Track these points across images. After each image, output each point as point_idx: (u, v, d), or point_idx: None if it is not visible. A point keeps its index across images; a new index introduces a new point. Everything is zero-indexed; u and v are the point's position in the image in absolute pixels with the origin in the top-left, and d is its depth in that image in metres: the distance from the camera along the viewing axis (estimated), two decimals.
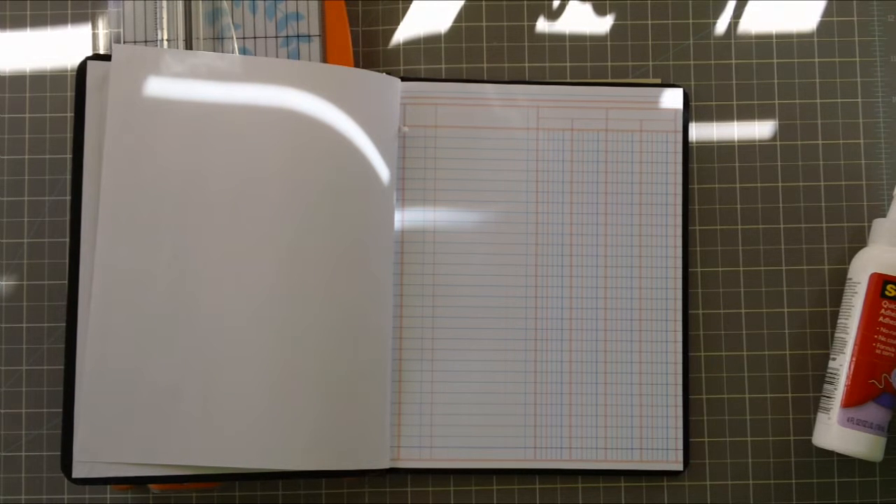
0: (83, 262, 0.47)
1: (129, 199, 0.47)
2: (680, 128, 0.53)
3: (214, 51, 0.50)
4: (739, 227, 0.53)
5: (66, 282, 0.48)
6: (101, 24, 0.54)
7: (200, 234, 0.47)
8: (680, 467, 0.52)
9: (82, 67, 0.48)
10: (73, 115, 0.51)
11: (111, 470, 0.47)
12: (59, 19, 0.54)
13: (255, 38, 0.51)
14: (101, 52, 0.54)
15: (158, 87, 0.48)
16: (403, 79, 0.52)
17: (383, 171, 0.50)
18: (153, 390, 0.47)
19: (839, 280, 0.53)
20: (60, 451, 0.47)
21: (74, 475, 0.47)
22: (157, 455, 0.47)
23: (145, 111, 0.48)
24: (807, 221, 0.53)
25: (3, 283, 0.53)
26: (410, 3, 0.54)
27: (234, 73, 0.48)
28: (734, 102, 0.54)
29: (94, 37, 0.54)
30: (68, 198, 0.53)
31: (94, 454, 0.47)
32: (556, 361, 0.52)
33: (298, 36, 0.51)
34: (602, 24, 0.54)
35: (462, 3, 0.54)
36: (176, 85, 0.48)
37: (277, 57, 0.51)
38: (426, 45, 0.54)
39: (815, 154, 0.54)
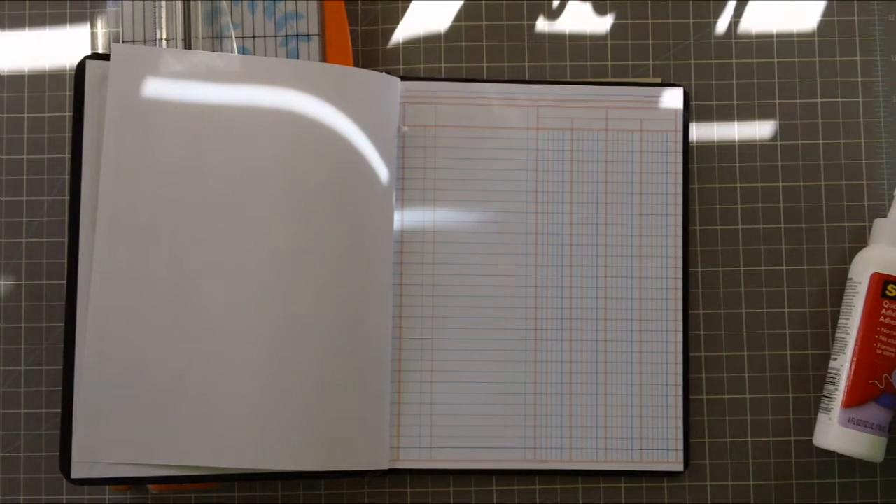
0: (82, 261, 0.47)
1: (128, 199, 0.47)
2: (680, 127, 0.53)
3: (213, 50, 0.50)
4: (740, 226, 0.53)
5: (65, 282, 0.48)
6: (99, 23, 0.54)
7: (199, 234, 0.47)
8: (680, 468, 0.52)
9: (81, 67, 0.48)
10: (71, 114, 0.51)
11: (110, 470, 0.47)
12: (57, 19, 0.54)
13: (254, 37, 0.51)
14: (100, 51, 0.54)
15: (157, 86, 0.48)
16: (403, 78, 0.52)
17: (383, 171, 0.50)
18: (152, 390, 0.47)
19: (840, 280, 0.53)
20: (59, 451, 0.47)
21: (73, 476, 0.47)
22: (156, 455, 0.47)
23: (144, 111, 0.47)
24: (807, 221, 0.53)
25: (2, 283, 0.53)
26: (410, 2, 0.54)
27: (233, 72, 0.48)
28: (735, 102, 0.54)
29: (93, 36, 0.54)
30: (67, 197, 0.52)
31: (93, 455, 0.46)
32: (556, 361, 0.52)
33: (298, 35, 0.51)
34: (602, 24, 0.54)
35: (462, 2, 0.54)
36: (175, 84, 0.48)
37: (276, 56, 0.51)
38: (426, 45, 0.54)
39: (815, 154, 0.54)
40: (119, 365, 0.47)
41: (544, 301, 0.52)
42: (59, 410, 0.51)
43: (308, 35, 0.51)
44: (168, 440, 0.47)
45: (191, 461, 0.47)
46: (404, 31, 0.54)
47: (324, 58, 0.51)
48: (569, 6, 0.55)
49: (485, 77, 0.54)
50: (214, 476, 0.48)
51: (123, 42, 0.50)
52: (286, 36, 0.51)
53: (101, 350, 0.47)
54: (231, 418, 0.47)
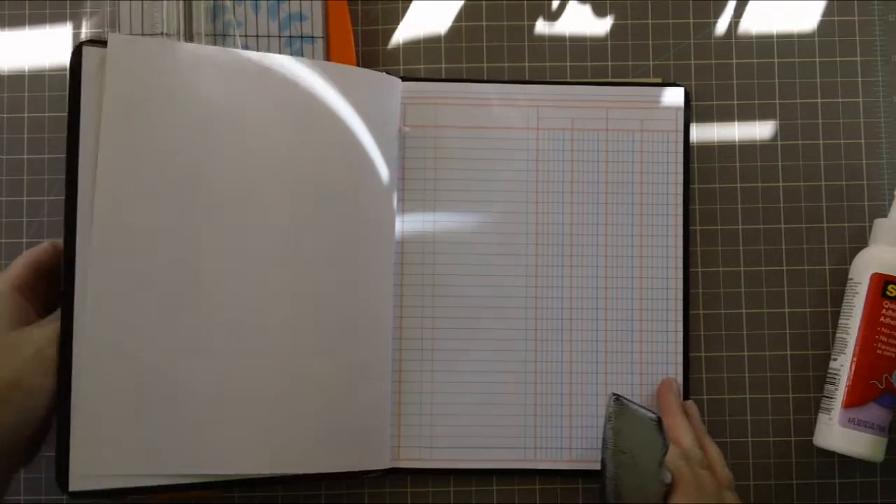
0: (79, 262, 0.45)
1: (126, 197, 0.46)
2: (681, 127, 0.53)
3: None
4: (740, 227, 0.53)
5: (64, 282, 0.47)
6: (99, 23, 0.54)
7: (199, 234, 0.47)
8: None
9: (77, 53, 0.45)
10: (67, 104, 0.50)
11: (109, 482, 0.44)
12: (57, 18, 0.54)
13: (257, 36, 0.51)
14: None
15: (157, 78, 0.46)
16: (404, 78, 0.52)
17: (383, 171, 0.50)
18: (152, 396, 0.45)
19: (840, 280, 0.53)
20: (56, 463, 0.43)
21: (71, 488, 0.44)
22: (156, 466, 0.45)
23: (142, 104, 0.46)
24: (808, 221, 0.53)
25: None
26: (410, 2, 0.54)
27: (233, 68, 0.47)
28: (735, 102, 0.54)
29: (93, 36, 0.54)
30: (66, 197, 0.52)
31: (92, 466, 0.44)
32: (556, 361, 0.52)
33: (302, 37, 0.51)
34: (602, 24, 0.54)
35: (462, 2, 0.54)
36: (173, 79, 0.46)
37: None
38: (426, 45, 0.54)
39: (815, 154, 0.54)
40: (118, 368, 0.45)
41: (544, 301, 0.52)
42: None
43: (312, 37, 0.51)
44: (169, 449, 0.45)
45: (192, 469, 0.45)
46: (404, 31, 0.54)
47: (328, 59, 0.51)
48: (569, 7, 0.55)
49: (485, 77, 0.54)
50: (215, 483, 0.46)
51: None
52: (290, 37, 0.51)
53: (99, 353, 0.45)
54: (231, 422, 0.46)
